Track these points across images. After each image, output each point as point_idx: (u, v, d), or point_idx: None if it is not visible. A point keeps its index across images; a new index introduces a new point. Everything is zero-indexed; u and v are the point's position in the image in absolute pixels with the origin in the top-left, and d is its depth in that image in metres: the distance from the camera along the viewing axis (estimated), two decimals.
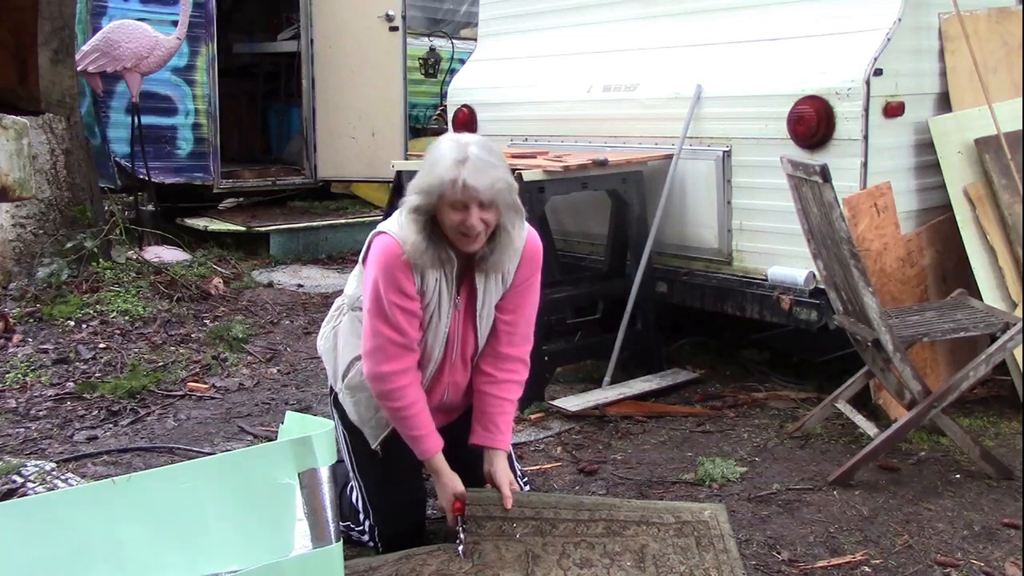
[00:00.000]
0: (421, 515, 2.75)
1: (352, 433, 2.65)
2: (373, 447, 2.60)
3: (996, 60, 3.84)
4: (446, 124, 5.33)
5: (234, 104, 7.94)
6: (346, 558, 2.24)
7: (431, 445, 2.53)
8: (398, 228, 2.47)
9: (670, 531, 2.59)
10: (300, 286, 5.90)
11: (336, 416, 2.69)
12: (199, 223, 6.79)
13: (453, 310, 2.56)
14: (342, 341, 2.67)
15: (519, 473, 2.86)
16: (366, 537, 2.68)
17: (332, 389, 2.74)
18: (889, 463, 3.25)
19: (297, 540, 2.03)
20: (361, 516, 2.69)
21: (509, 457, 2.70)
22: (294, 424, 2.26)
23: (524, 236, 2.57)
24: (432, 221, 2.42)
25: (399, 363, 2.48)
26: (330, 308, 2.83)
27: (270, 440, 3.52)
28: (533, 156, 4.21)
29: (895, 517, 2.89)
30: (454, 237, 2.43)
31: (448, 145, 2.42)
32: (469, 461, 2.64)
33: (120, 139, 6.34)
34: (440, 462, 2.54)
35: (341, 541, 2.12)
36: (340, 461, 2.64)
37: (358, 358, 2.58)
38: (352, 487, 2.73)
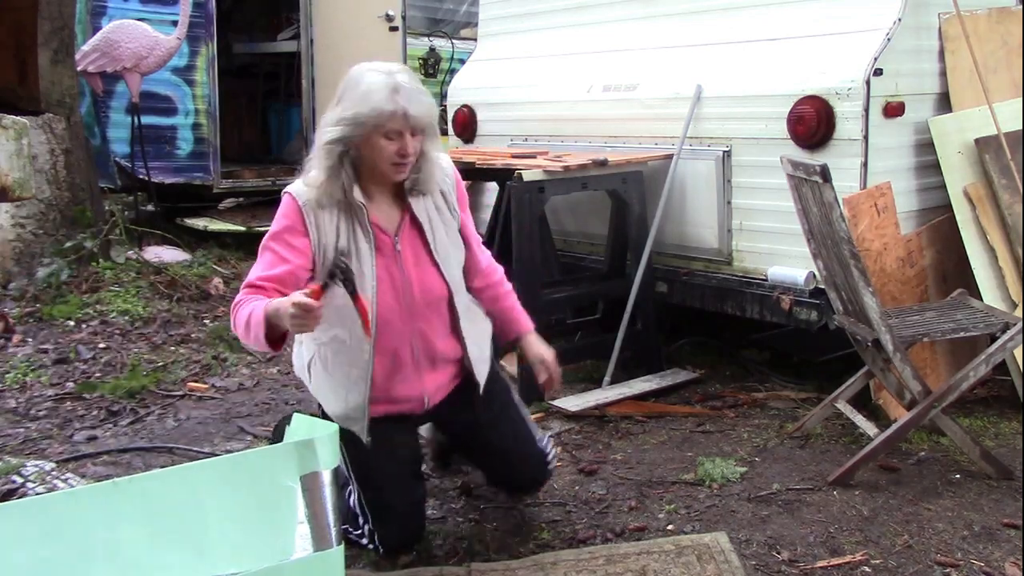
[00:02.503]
0: (420, 518, 2.75)
1: (346, 439, 2.63)
2: (366, 443, 2.57)
3: (996, 60, 3.84)
4: (446, 124, 5.32)
5: (234, 104, 7.93)
6: (347, 564, 2.24)
7: (260, 312, 2.30)
8: (297, 183, 2.48)
9: (671, 555, 2.61)
10: None
11: None
12: (199, 223, 6.78)
13: (392, 255, 2.52)
14: (297, 351, 2.72)
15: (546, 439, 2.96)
16: (365, 540, 2.68)
17: (320, 408, 2.71)
18: (889, 463, 3.25)
19: (298, 543, 2.03)
20: (360, 520, 2.68)
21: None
22: (301, 427, 2.25)
23: (444, 156, 2.64)
24: (343, 156, 2.41)
25: (251, 295, 2.40)
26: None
27: (269, 440, 3.52)
28: (533, 156, 4.21)
29: (895, 517, 2.89)
30: (385, 168, 2.43)
31: (374, 76, 2.40)
32: (465, 434, 2.75)
33: (120, 139, 6.33)
34: (273, 303, 2.31)
35: (342, 545, 2.12)
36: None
37: (311, 360, 2.63)
38: (350, 490, 2.72)
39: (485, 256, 2.82)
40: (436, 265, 2.58)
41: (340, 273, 2.31)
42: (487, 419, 2.74)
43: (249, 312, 2.32)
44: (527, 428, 2.85)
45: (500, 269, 2.85)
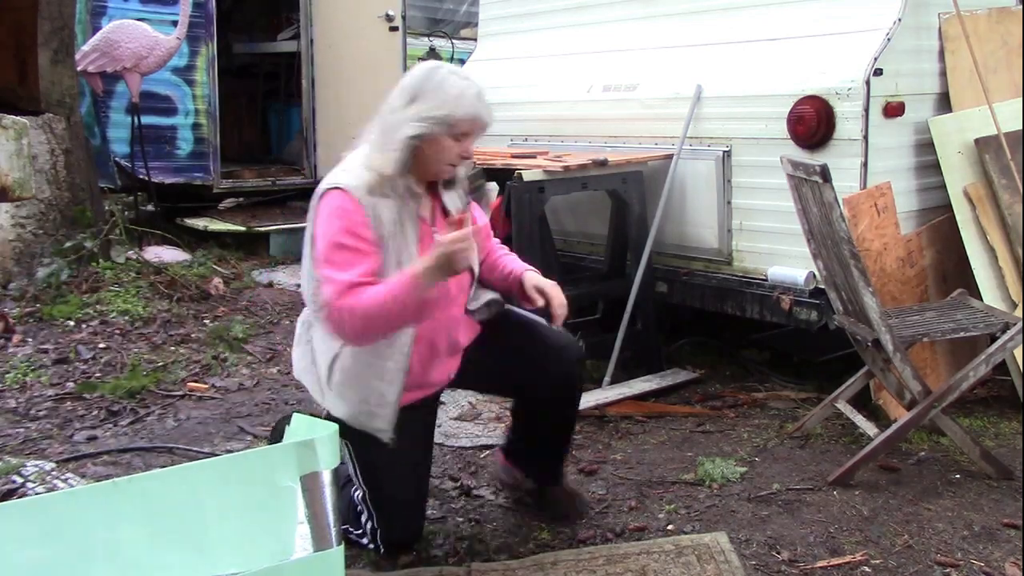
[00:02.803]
0: (424, 514, 2.75)
1: (351, 438, 2.62)
2: (386, 440, 2.54)
3: (996, 60, 3.85)
4: None
5: (234, 104, 7.93)
6: (347, 566, 2.24)
7: (405, 281, 2.34)
8: (347, 178, 2.44)
9: (671, 555, 2.61)
10: (300, 286, 5.89)
11: None
12: (199, 223, 6.78)
13: (431, 245, 2.50)
14: (318, 349, 2.62)
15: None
16: (366, 540, 2.67)
17: (325, 411, 2.66)
18: (889, 463, 3.25)
19: (298, 543, 2.03)
20: (363, 518, 2.68)
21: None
22: (301, 427, 2.25)
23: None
24: (419, 149, 2.44)
25: (355, 289, 2.38)
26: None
27: (269, 440, 3.53)
28: (533, 156, 4.21)
29: (895, 517, 2.89)
30: (441, 167, 2.48)
31: (458, 81, 2.45)
32: (479, 363, 2.71)
33: (120, 139, 6.34)
34: (418, 262, 2.38)
35: (342, 545, 2.12)
36: (341, 463, 2.63)
37: (336, 356, 2.55)
38: (354, 488, 2.72)
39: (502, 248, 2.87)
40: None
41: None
42: (492, 334, 2.72)
43: (377, 296, 2.32)
44: (538, 324, 2.79)
45: (497, 241, 2.87)
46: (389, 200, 2.44)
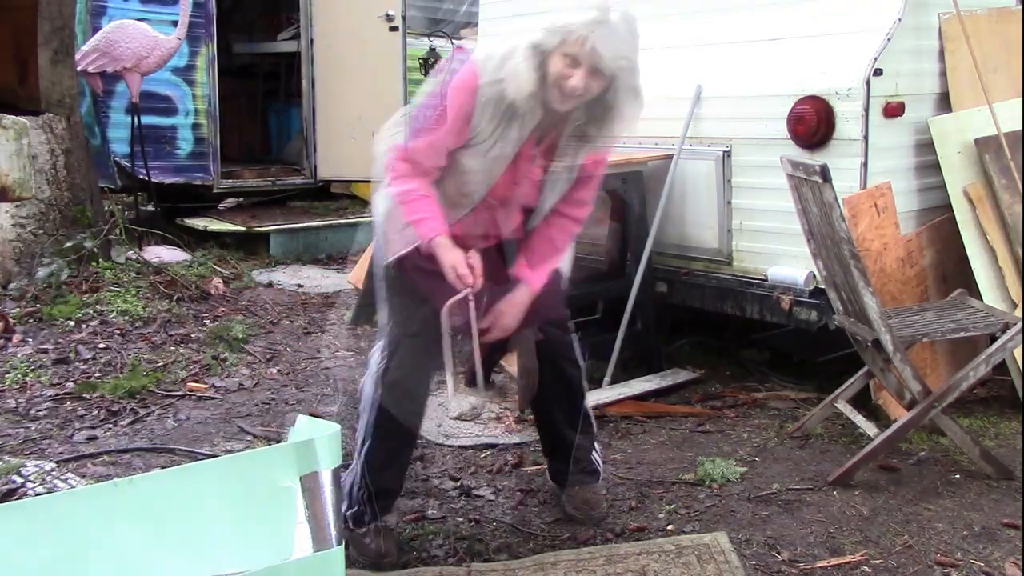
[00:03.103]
0: (411, 445, 2.79)
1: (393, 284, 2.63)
2: (388, 259, 2.59)
3: (996, 60, 3.84)
4: None
5: (234, 104, 7.93)
6: (347, 564, 2.24)
7: (433, 227, 2.47)
8: (484, 56, 2.44)
9: (671, 555, 2.61)
10: (300, 286, 5.90)
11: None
12: (199, 223, 6.79)
13: (526, 163, 2.51)
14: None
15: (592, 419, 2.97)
16: (357, 508, 2.65)
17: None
18: (889, 463, 3.25)
19: (298, 543, 2.03)
20: (355, 486, 2.66)
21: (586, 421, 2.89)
22: (304, 428, 2.25)
23: (633, 120, 2.51)
24: (543, 64, 2.36)
25: (413, 178, 2.50)
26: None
27: (269, 440, 3.53)
28: None
29: (895, 517, 2.89)
30: (551, 87, 2.37)
31: (600, 7, 2.36)
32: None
33: (120, 139, 6.34)
34: (446, 243, 2.46)
35: (343, 545, 2.12)
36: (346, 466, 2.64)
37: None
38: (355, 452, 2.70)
39: (587, 195, 2.70)
40: (541, 188, 2.59)
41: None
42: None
43: (423, 217, 2.46)
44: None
45: (581, 219, 2.71)
46: (505, 102, 2.41)
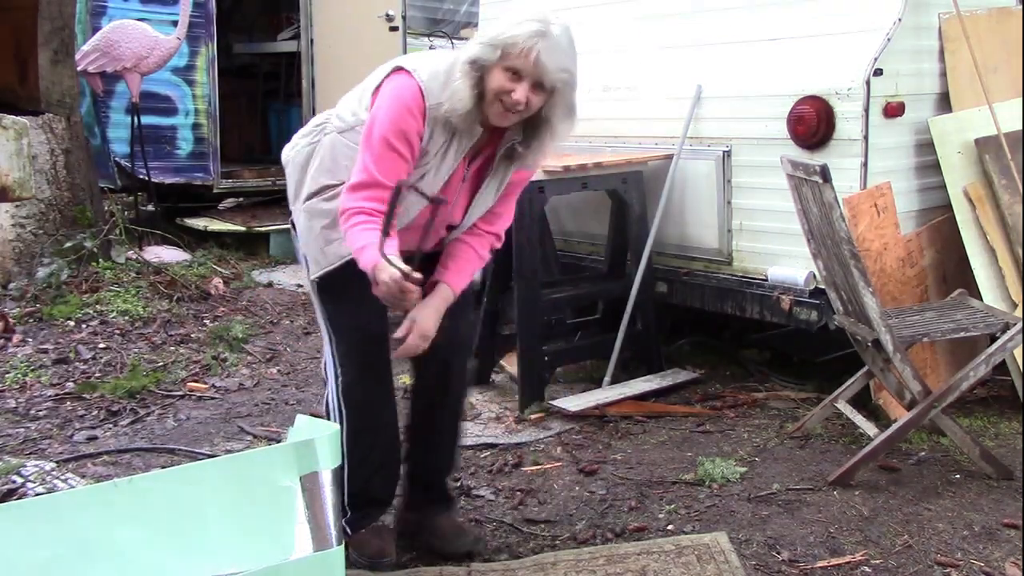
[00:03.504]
0: (387, 355, 2.60)
1: (330, 287, 2.53)
2: (311, 278, 2.51)
3: (996, 60, 3.84)
4: None
5: (234, 104, 7.93)
6: (347, 566, 2.24)
7: (372, 255, 2.25)
8: (428, 75, 2.34)
9: (671, 555, 2.61)
10: (300, 286, 5.90)
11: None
12: (199, 223, 6.79)
13: (457, 185, 2.45)
14: (318, 161, 2.50)
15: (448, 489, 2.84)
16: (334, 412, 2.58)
17: (290, 211, 2.60)
18: (889, 463, 3.25)
19: (298, 543, 2.03)
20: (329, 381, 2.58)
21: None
22: (303, 428, 2.25)
23: (565, 137, 2.45)
24: (481, 81, 2.31)
25: (372, 203, 2.30)
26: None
27: (270, 440, 3.53)
28: None
29: (895, 517, 2.89)
30: (490, 103, 2.31)
31: (534, 13, 2.29)
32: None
33: (120, 139, 6.34)
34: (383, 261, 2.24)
35: (342, 545, 2.12)
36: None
37: (331, 186, 2.45)
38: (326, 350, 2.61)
39: (508, 208, 2.64)
40: (468, 204, 2.53)
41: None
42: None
43: (364, 245, 2.26)
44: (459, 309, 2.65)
45: (497, 245, 2.65)
46: (447, 126, 2.36)
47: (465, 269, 2.56)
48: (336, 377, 2.56)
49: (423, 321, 2.41)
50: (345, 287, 2.49)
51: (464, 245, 2.57)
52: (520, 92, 2.28)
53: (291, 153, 2.61)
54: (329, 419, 2.58)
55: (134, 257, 5.62)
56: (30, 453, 3.42)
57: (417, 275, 2.22)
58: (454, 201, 2.48)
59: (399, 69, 2.40)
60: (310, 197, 2.50)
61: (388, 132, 2.32)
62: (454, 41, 7.80)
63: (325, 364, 2.62)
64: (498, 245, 2.66)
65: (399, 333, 2.40)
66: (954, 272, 3.80)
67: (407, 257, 2.29)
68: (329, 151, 2.50)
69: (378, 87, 2.43)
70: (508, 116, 2.33)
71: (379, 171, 2.31)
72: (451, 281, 2.51)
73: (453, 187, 2.47)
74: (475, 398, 3.90)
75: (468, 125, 2.37)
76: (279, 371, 4.38)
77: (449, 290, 2.50)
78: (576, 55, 2.35)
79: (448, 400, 2.73)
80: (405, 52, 7.00)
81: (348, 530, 2.62)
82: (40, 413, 3.80)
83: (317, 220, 2.48)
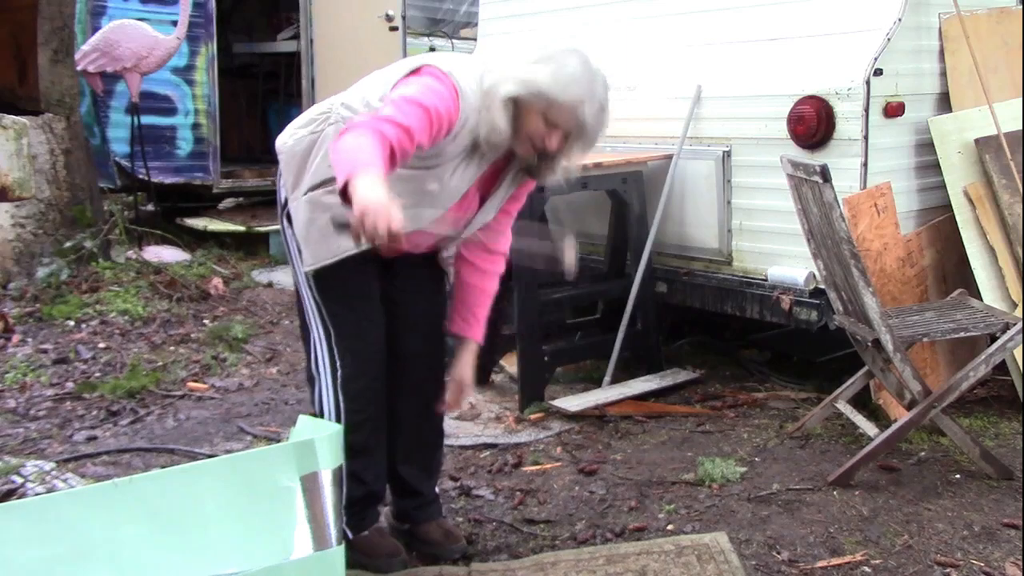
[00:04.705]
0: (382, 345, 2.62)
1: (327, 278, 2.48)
2: (304, 270, 2.48)
3: (996, 60, 3.84)
4: None
5: (234, 104, 7.93)
6: (347, 564, 2.23)
7: (378, 161, 2.03)
8: (464, 81, 2.30)
9: (671, 555, 2.61)
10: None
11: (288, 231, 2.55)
12: (199, 223, 6.78)
13: (466, 198, 2.46)
14: (323, 152, 2.42)
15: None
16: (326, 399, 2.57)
17: (283, 199, 2.53)
18: (889, 463, 3.25)
19: (298, 543, 2.03)
20: (321, 370, 2.57)
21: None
22: (306, 428, 2.25)
23: (579, 163, 2.50)
24: (518, 117, 2.31)
25: (388, 138, 2.11)
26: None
27: (269, 440, 3.53)
28: None
29: (895, 517, 2.89)
30: (521, 141, 2.33)
31: (581, 69, 2.31)
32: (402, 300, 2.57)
33: (120, 139, 6.34)
34: (381, 179, 1.99)
35: (343, 545, 2.12)
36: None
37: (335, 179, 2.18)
38: (314, 340, 2.58)
39: (503, 242, 2.67)
40: (473, 211, 2.54)
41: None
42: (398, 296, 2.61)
43: (366, 151, 2.04)
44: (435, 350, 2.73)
45: (502, 267, 2.70)
46: (478, 144, 2.36)
47: (483, 316, 2.67)
48: (335, 371, 2.55)
49: (465, 378, 2.62)
50: (345, 282, 2.49)
51: (478, 292, 2.65)
52: (554, 141, 2.34)
53: (290, 142, 2.53)
54: (322, 417, 2.58)
55: (134, 257, 5.62)
56: (30, 453, 3.42)
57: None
58: (462, 211, 2.49)
59: (429, 67, 2.34)
60: (313, 188, 2.45)
61: (426, 101, 2.22)
62: (454, 41, 7.81)
63: (316, 360, 2.59)
64: (503, 268, 2.70)
65: (449, 403, 2.65)
66: (954, 272, 3.80)
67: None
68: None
69: (404, 77, 2.36)
70: (534, 154, 2.38)
71: (412, 122, 2.17)
72: (476, 334, 2.66)
73: (467, 200, 2.48)
74: (475, 398, 3.90)
75: (495, 151, 2.39)
76: (279, 371, 4.38)
77: (476, 344, 2.67)
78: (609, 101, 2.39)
79: (425, 400, 2.73)
80: (405, 52, 6.99)
81: (349, 534, 2.59)
82: (40, 413, 3.80)
83: (320, 213, 2.41)
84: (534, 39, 2.48)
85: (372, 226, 1.90)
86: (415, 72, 2.36)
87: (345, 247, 2.36)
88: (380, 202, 1.91)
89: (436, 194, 2.41)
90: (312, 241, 2.47)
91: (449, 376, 2.66)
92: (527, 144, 2.35)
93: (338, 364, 2.54)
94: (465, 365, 2.65)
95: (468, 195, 2.48)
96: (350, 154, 2.04)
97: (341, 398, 2.55)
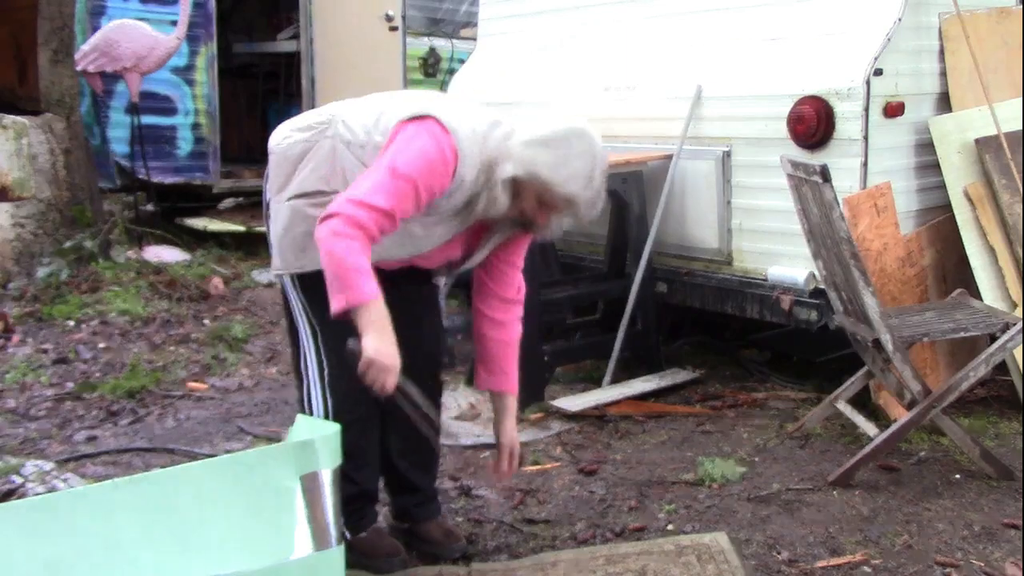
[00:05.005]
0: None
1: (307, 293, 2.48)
2: (272, 275, 2.49)
3: (996, 60, 3.84)
4: None
5: (234, 104, 7.93)
6: (347, 564, 2.23)
7: (374, 286, 2.17)
8: (466, 136, 2.27)
9: (671, 554, 2.61)
10: None
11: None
12: (199, 223, 6.78)
13: (452, 243, 2.47)
14: (314, 163, 2.43)
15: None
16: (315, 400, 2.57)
17: (267, 200, 2.54)
18: (889, 463, 3.25)
19: (298, 543, 2.03)
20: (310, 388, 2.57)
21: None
22: (304, 428, 2.25)
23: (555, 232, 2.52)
24: (519, 193, 2.32)
25: (374, 227, 2.19)
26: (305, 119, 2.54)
27: (270, 440, 3.53)
28: None
29: (895, 517, 2.89)
30: (513, 212, 2.34)
31: (587, 162, 2.31)
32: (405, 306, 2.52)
33: (120, 139, 6.33)
34: (383, 313, 2.18)
35: (343, 545, 2.12)
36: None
37: (323, 193, 2.38)
38: (304, 342, 2.58)
39: (517, 288, 2.65)
40: (466, 251, 2.57)
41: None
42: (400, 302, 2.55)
43: (363, 276, 2.15)
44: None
45: (520, 312, 2.66)
46: (474, 207, 2.36)
47: (514, 367, 2.64)
48: (322, 369, 2.54)
49: (514, 442, 2.60)
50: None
51: (503, 345, 2.62)
52: (545, 217, 2.36)
53: (283, 144, 2.52)
54: (311, 415, 2.57)
55: (134, 257, 5.63)
56: (30, 453, 3.42)
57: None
58: (448, 251, 2.50)
59: (432, 122, 2.29)
60: (298, 196, 2.46)
61: (415, 174, 2.23)
62: (454, 41, 7.81)
63: (304, 358, 2.59)
64: (521, 314, 2.66)
65: (504, 471, 2.61)
66: (954, 272, 3.80)
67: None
68: (328, 157, 2.44)
69: (404, 121, 2.32)
70: (524, 220, 2.40)
71: (398, 205, 2.21)
72: (511, 387, 2.63)
73: (448, 244, 2.49)
74: (475, 398, 3.90)
75: (486, 217, 2.40)
76: (279, 371, 4.38)
77: (514, 397, 2.64)
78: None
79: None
80: (405, 52, 7.00)
81: (347, 534, 2.56)
82: (40, 413, 3.80)
83: (299, 224, 2.44)
84: (547, 114, 2.47)
85: (374, 379, 2.18)
86: (419, 120, 2.30)
87: (311, 265, 2.38)
88: (386, 362, 2.16)
89: (419, 238, 2.42)
90: (284, 248, 2.50)
91: (501, 442, 2.60)
92: (518, 213, 2.36)
93: (324, 363, 2.53)
94: (510, 428, 2.60)
95: (453, 242, 2.48)
96: (346, 271, 2.16)
97: (329, 397, 2.54)
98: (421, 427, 2.41)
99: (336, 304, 2.17)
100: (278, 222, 2.51)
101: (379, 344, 2.16)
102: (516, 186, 2.31)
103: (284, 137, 2.54)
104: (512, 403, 2.64)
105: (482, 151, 2.31)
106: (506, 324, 2.62)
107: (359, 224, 2.17)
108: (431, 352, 2.74)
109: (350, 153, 2.41)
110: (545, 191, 2.30)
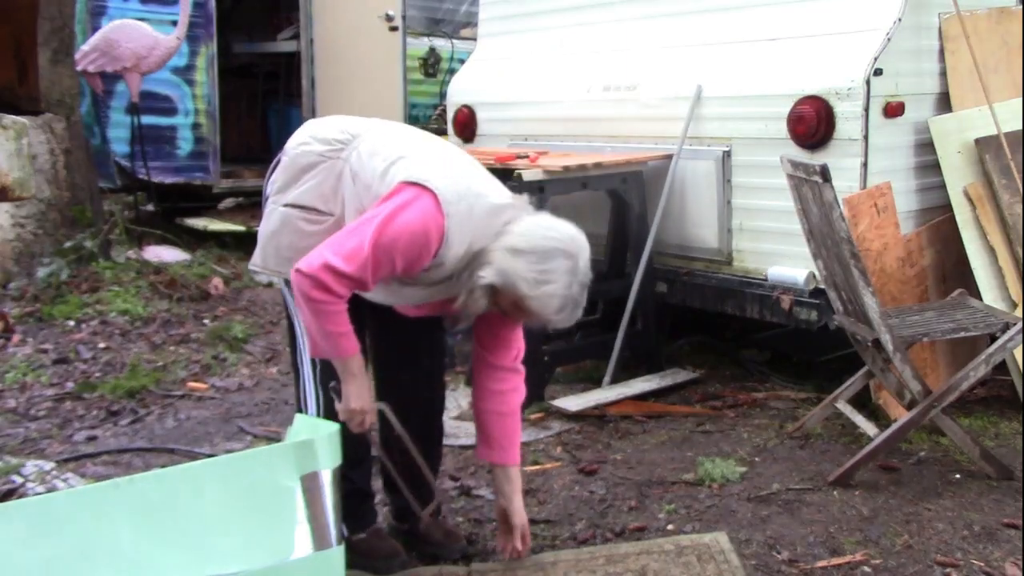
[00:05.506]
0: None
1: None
2: (250, 267, 2.53)
3: (996, 60, 3.84)
4: (445, 124, 5.33)
5: (234, 104, 7.93)
6: (347, 564, 2.24)
7: (352, 344, 2.32)
8: (457, 212, 2.25)
9: (671, 554, 2.61)
10: None
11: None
12: (199, 223, 6.78)
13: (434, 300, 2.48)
14: (319, 179, 2.45)
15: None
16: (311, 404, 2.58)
17: (266, 195, 2.57)
18: (889, 463, 3.25)
19: (298, 543, 2.03)
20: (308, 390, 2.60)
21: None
22: (302, 427, 2.25)
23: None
24: (497, 295, 2.30)
25: (344, 291, 2.25)
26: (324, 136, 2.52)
27: (269, 440, 3.53)
28: (530, 156, 4.20)
29: (895, 517, 2.89)
30: (490, 306, 2.33)
31: (566, 283, 2.29)
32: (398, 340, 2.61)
33: (120, 139, 6.33)
34: (360, 366, 2.36)
35: (343, 545, 2.12)
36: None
37: (318, 211, 2.43)
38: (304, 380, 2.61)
39: (514, 355, 2.63)
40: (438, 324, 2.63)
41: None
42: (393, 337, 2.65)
43: (337, 313, 2.25)
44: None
45: (520, 379, 2.63)
46: (448, 272, 2.35)
47: (517, 438, 2.63)
48: (315, 366, 2.56)
49: (523, 521, 2.58)
50: None
51: (504, 418, 2.60)
52: (525, 319, 2.37)
53: (299, 150, 2.54)
54: (305, 410, 2.59)
55: (134, 257, 5.62)
56: (30, 453, 3.42)
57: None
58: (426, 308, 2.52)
59: (429, 197, 2.26)
60: (293, 206, 2.48)
61: (395, 249, 2.23)
62: (454, 41, 7.81)
63: (299, 355, 2.60)
64: (521, 379, 2.64)
65: (515, 548, 2.58)
66: (954, 272, 3.80)
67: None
68: (335, 181, 2.44)
69: (407, 183, 2.29)
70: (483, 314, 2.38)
71: (372, 274, 2.24)
72: (513, 459, 2.60)
73: (427, 306, 2.50)
74: None
75: (462, 307, 2.38)
76: (279, 371, 4.38)
77: (517, 469, 2.61)
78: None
79: (423, 410, 2.73)
80: (405, 52, 7.00)
81: (347, 534, 2.55)
82: (40, 413, 3.80)
83: (287, 234, 2.47)
84: (546, 219, 2.46)
85: (352, 425, 2.39)
86: (420, 189, 2.27)
87: (286, 273, 2.42)
88: (362, 411, 2.39)
89: (404, 295, 2.44)
90: (267, 250, 2.53)
91: (509, 524, 2.57)
92: (498, 310, 2.36)
93: (317, 360, 2.54)
94: (519, 508, 2.58)
95: (432, 305, 2.48)
96: (325, 336, 2.30)
97: (322, 393, 2.55)
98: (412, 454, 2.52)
99: (316, 353, 2.40)
100: (269, 222, 2.55)
101: (355, 399, 2.37)
102: (494, 291, 2.29)
103: (302, 143, 2.55)
104: (516, 476, 2.59)
105: (473, 240, 2.30)
106: (505, 394, 2.59)
107: (329, 290, 2.23)
108: (431, 338, 2.72)
109: (354, 187, 2.41)
110: (521, 302, 2.28)
